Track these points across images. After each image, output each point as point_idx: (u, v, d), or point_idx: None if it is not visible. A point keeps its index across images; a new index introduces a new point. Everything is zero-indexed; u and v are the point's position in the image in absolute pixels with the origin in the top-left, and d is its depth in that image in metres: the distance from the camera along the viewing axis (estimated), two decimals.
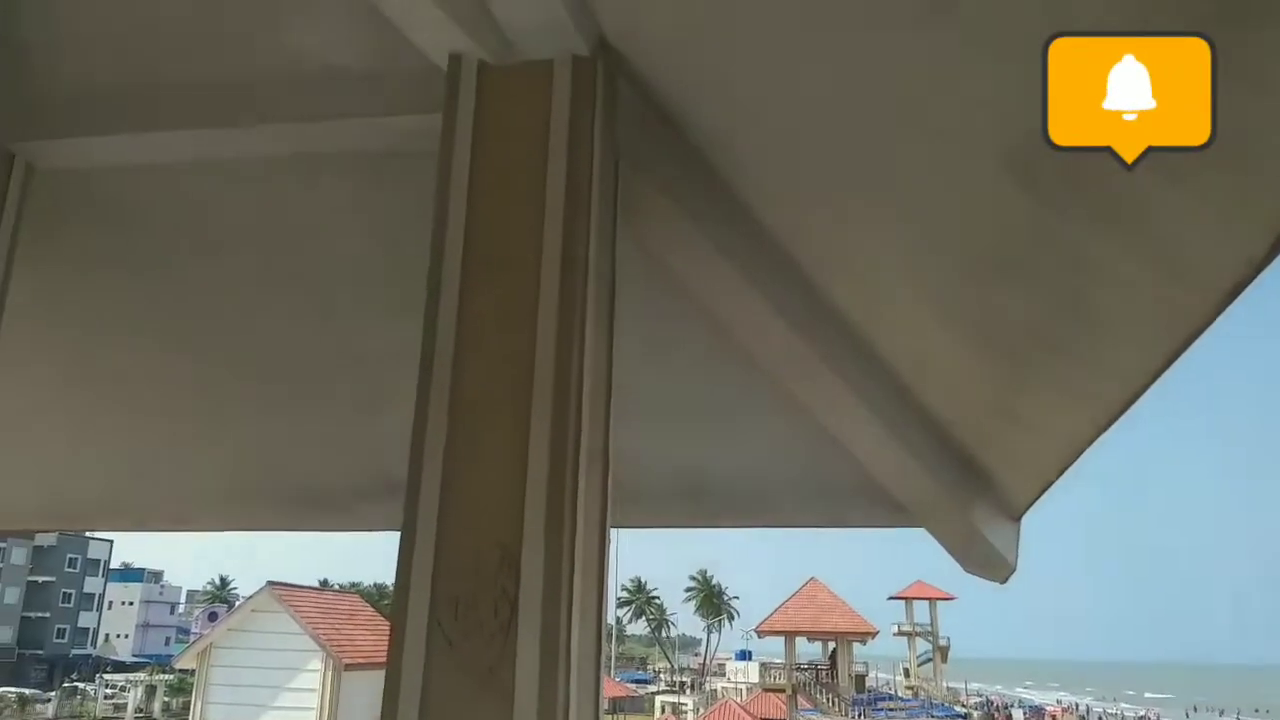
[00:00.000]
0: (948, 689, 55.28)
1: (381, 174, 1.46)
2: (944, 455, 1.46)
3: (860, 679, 54.67)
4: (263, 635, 24.60)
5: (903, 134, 1.06)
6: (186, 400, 2.09)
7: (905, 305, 1.24)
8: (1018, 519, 1.51)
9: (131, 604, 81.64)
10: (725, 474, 1.91)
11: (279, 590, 25.68)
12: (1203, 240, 0.84)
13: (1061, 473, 1.36)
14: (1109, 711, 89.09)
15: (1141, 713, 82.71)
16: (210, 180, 1.54)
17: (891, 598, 60.46)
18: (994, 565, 1.51)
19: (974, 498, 1.46)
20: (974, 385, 1.33)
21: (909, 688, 56.41)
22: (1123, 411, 1.10)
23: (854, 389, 1.41)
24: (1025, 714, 72.90)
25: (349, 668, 23.99)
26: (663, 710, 46.35)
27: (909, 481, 1.52)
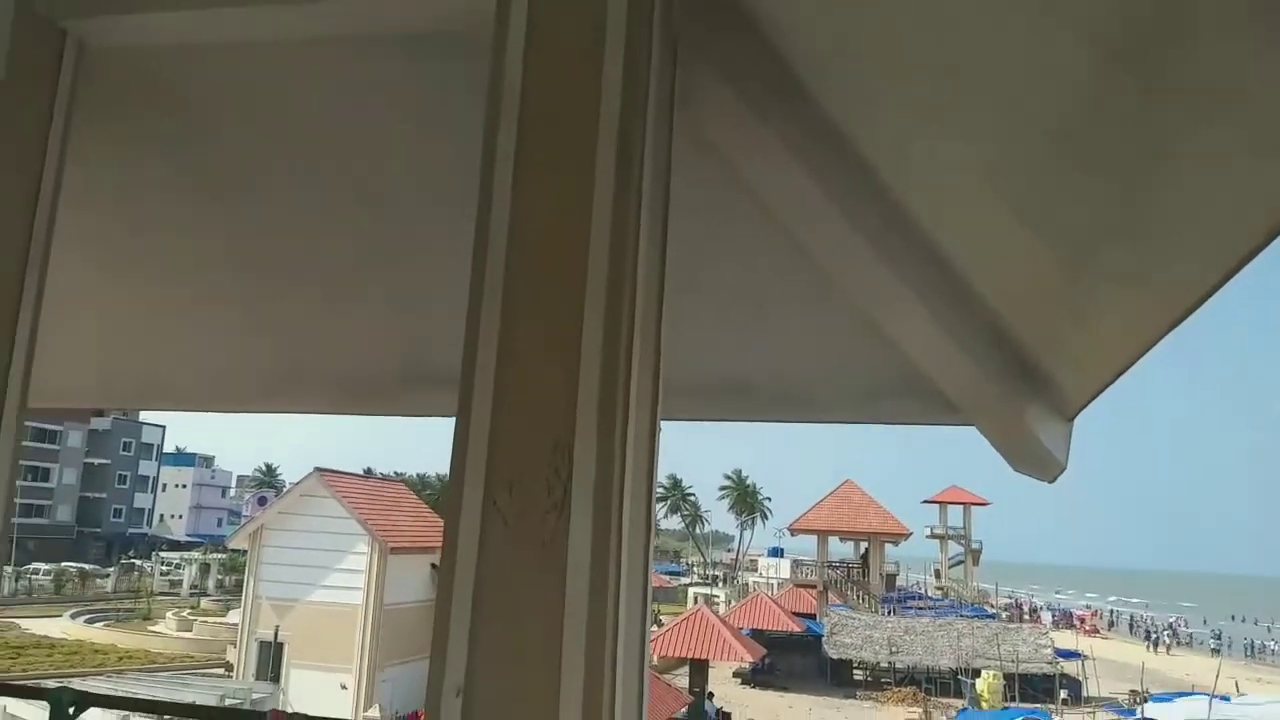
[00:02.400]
0: (978, 591, 56.33)
1: (431, 54, 1.43)
2: (1001, 353, 1.44)
3: (891, 578, 55.94)
4: (311, 519, 25.71)
5: (979, 5, 1.01)
6: (233, 286, 2.12)
7: (970, 193, 1.20)
8: (1071, 419, 1.50)
9: (184, 487, 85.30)
10: (773, 368, 1.91)
11: (327, 476, 26.65)
12: None
13: (1121, 373, 1.33)
14: (1139, 616, 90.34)
15: (1171, 619, 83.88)
16: (260, 62, 1.52)
17: (926, 501, 61.30)
18: (1045, 464, 1.50)
19: (1028, 396, 1.45)
20: (1038, 280, 1.30)
21: (939, 588, 57.64)
22: (1192, 309, 1.07)
23: (910, 285, 1.39)
24: (1054, 617, 74.30)
25: (394, 551, 25.03)
26: (695, 601, 47.83)
27: (962, 379, 1.50)
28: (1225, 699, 23.73)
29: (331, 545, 25.25)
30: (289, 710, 2.54)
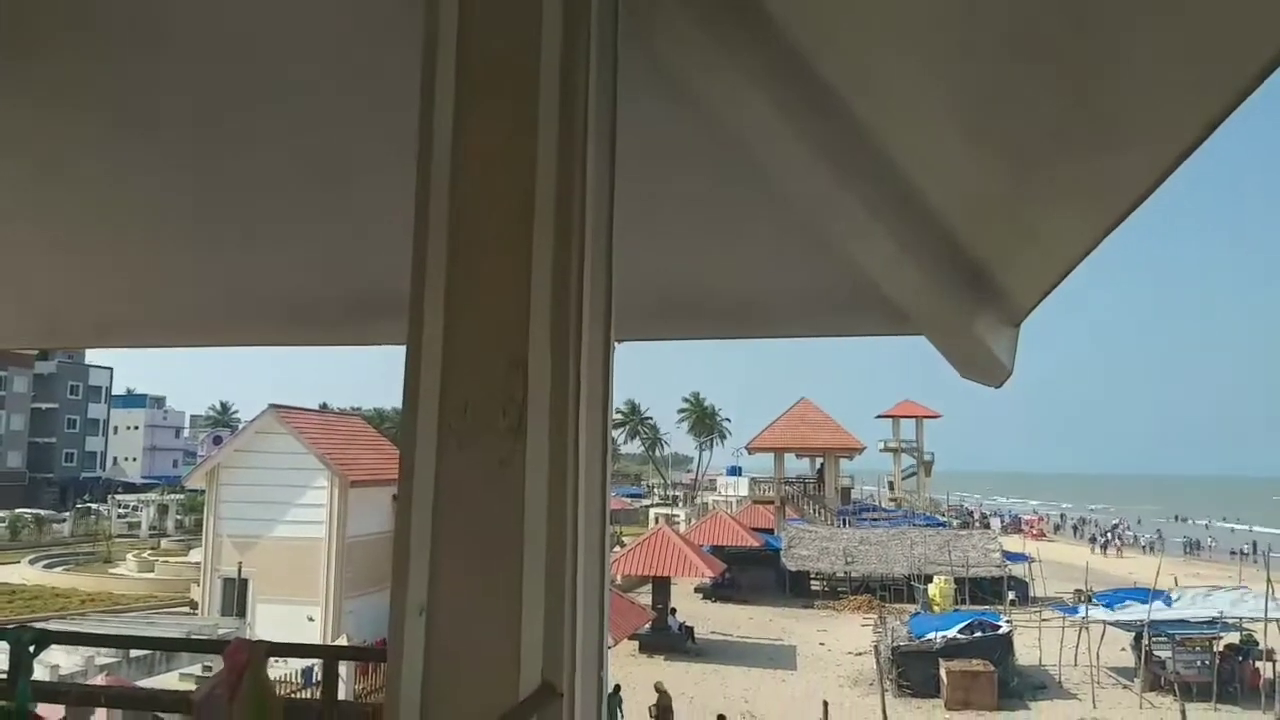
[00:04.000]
0: (930, 500, 58.13)
1: None
2: (951, 264, 1.45)
3: (846, 492, 57.47)
4: (269, 455, 25.58)
5: None
6: (173, 220, 2.05)
7: (924, 109, 1.19)
8: (1017, 325, 1.53)
9: (136, 429, 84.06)
10: (728, 285, 1.91)
11: (282, 412, 26.42)
12: (1233, 17, 0.80)
13: (1063, 278, 1.36)
14: (1083, 519, 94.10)
15: (1115, 522, 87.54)
16: None
17: (879, 416, 62.69)
18: (992, 371, 1.53)
19: (977, 305, 1.47)
20: (987, 192, 1.31)
21: (892, 500, 59.37)
22: (1128, 212, 1.09)
23: (864, 200, 1.39)
24: (1003, 522, 77.05)
25: (354, 484, 25.07)
26: (656, 521, 48.76)
27: (914, 290, 1.52)
28: (1164, 594, 24.99)
29: (291, 481, 25.20)
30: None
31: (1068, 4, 0.92)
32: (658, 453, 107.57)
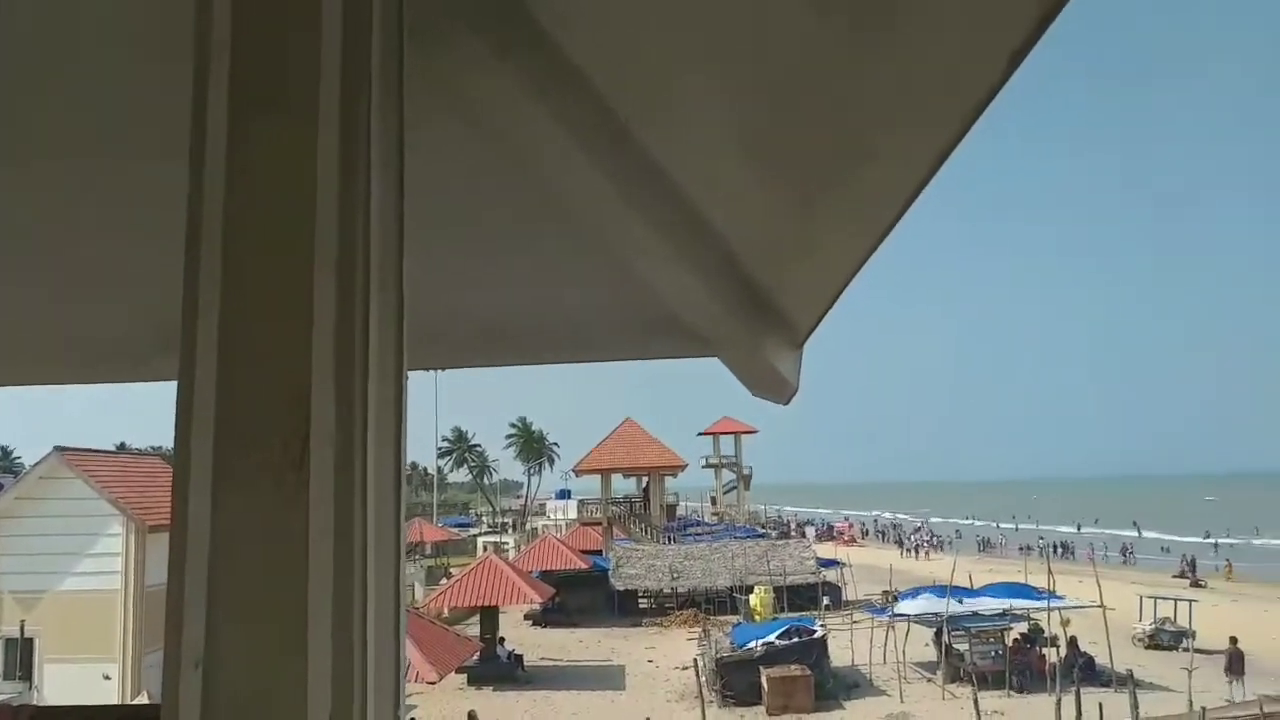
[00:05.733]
0: (750, 513, 60.23)
1: None
2: (740, 288, 1.52)
3: (671, 509, 58.68)
4: (55, 502, 23.28)
5: None
6: None
7: (706, 134, 1.25)
8: (800, 345, 1.62)
9: None
10: (528, 311, 1.91)
11: (69, 455, 24.11)
12: (955, 47, 0.89)
13: (836, 298, 1.46)
14: (891, 523, 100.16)
15: (917, 524, 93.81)
16: None
17: (701, 433, 64.51)
18: (780, 389, 1.61)
19: (764, 328, 1.54)
20: (767, 218, 1.38)
21: (715, 514, 61.13)
22: (885, 234, 1.19)
23: (656, 226, 1.43)
24: (817, 530, 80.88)
25: (154, 529, 23.17)
26: (484, 550, 47.87)
27: (708, 315, 1.57)
28: (959, 590, 26.97)
29: (81, 529, 23.01)
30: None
31: (825, 42, 0.99)
32: (486, 480, 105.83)
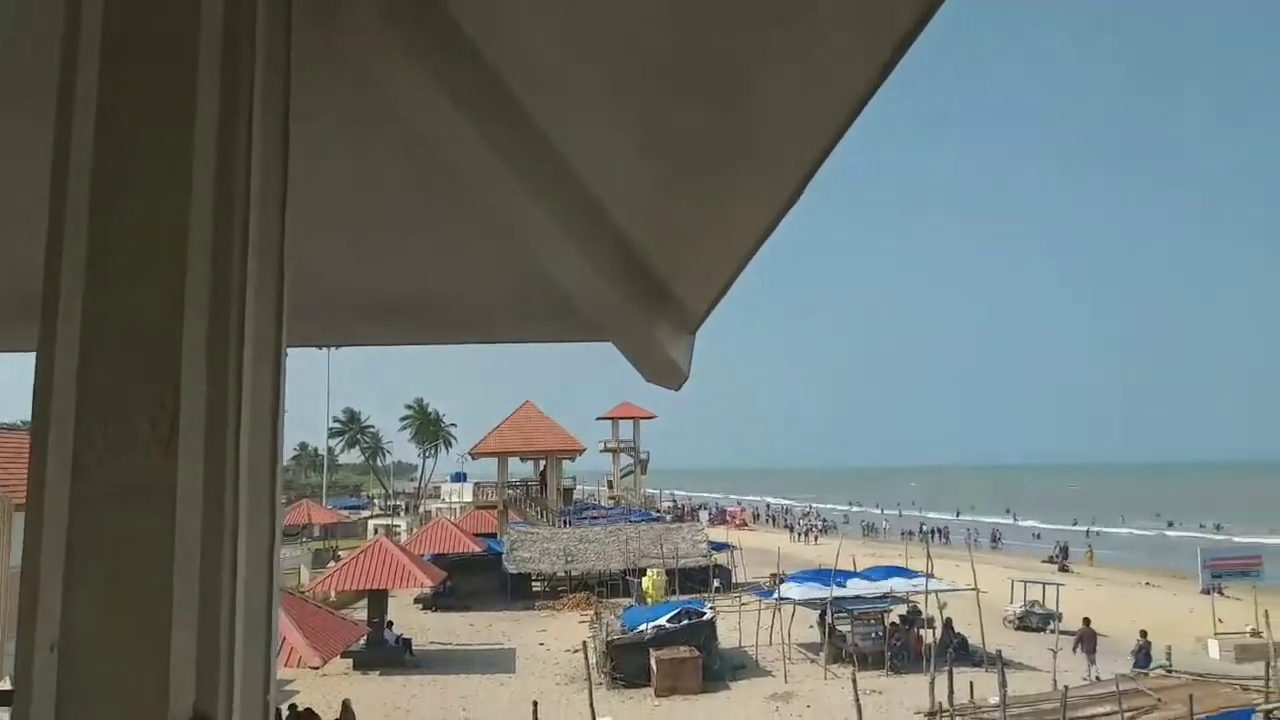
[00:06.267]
0: (645, 497, 60.75)
1: None
2: (634, 275, 1.52)
3: (568, 492, 58.68)
4: None
5: None
6: None
7: (596, 117, 1.25)
8: (693, 332, 1.64)
9: None
10: (424, 291, 1.88)
11: None
12: (840, 40, 0.91)
13: (728, 286, 1.48)
14: (781, 508, 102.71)
15: (806, 509, 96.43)
16: None
17: (600, 418, 64.63)
18: (672, 375, 1.63)
19: (658, 314, 1.56)
20: (658, 204, 1.39)
21: (611, 498, 61.41)
22: (773, 224, 1.21)
23: (549, 210, 1.42)
24: (710, 514, 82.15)
25: (20, 507, 21.84)
26: (375, 533, 46.92)
27: (601, 300, 1.57)
28: (844, 573, 27.89)
29: None
30: None
31: (716, 34, 1.01)
32: (379, 462, 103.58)
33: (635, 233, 1.45)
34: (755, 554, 44.14)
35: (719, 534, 53.99)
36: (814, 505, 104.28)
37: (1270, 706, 12.19)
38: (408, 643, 27.41)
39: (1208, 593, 33.96)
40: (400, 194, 1.64)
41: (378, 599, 27.25)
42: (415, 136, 1.39)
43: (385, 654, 26.28)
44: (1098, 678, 19.31)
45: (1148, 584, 46.14)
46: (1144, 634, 24.40)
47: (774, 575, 34.93)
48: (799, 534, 71.63)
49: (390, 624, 27.62)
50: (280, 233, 1.13)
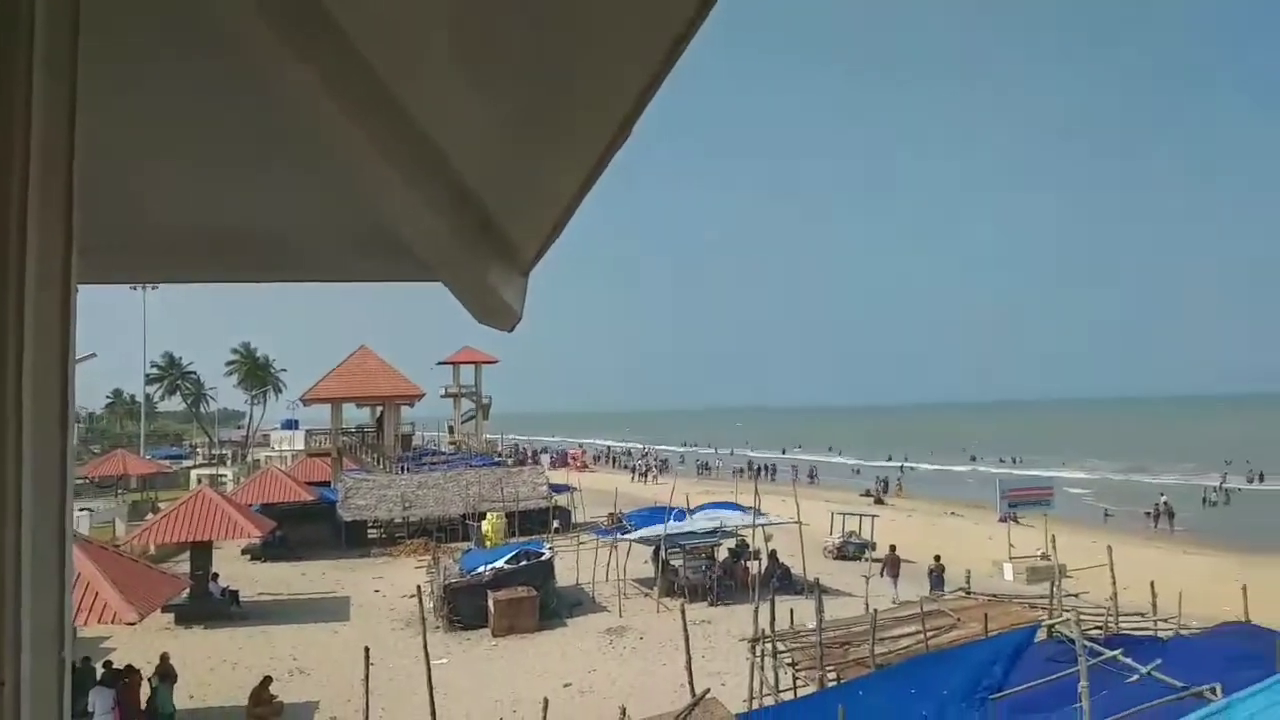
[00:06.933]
0: (487, 442, 60.36)
1: None
2: (464, 212, 1.48)
3: (407, 439, 57.49)
4: None
5: None
6: None
7: (420, 45, 1.19)
8: (526, 274, 1.62)
9: None
10: (236, 224, 1.76)
11: None
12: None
13: (560, 226, 1.47)
14: (622, 450, 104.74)
15: (645, 450, 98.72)
16: None
17: (440, 363, 63.38)
18: (504, 317, 1.61)
19: (490, 254, 1.52)
20: (490, 138, 1.35)
21: (452, 443, 60.67)
22: (602, 161, 1.21)
23: (376, 142, 1.36)
24: (551, 457, 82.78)
25: None
26: (198, 483, 44.54)
27: (431, 238, 1.53)
28: (681, 511, 28.85)
29: None
30: None
31: None
32: (203, 409, 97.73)
33: (463, 165, 1.41)
34: (596, 495, 44.93)
35: (560, 476, 54.51)
36: (651, 447, 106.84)
37: (1052, 622, 13.63)
38: (235, 594, 26.37)
39: (1004, 521, 37.32)
40: (221, 124, 1.53)
41: (201, 551, 26.00)
42: (233, 62, 1.30)
43: (210, 607, 25.22)
44: (901, 601, 20.95)
45: (953, 514, 50.23)
46: (938, 559, 26.72)
47: (612, 514, 35.71)
48: (638, 474, 73.37)
49: (216, 576, 26.46)
50: (69, 147, 1.03)
